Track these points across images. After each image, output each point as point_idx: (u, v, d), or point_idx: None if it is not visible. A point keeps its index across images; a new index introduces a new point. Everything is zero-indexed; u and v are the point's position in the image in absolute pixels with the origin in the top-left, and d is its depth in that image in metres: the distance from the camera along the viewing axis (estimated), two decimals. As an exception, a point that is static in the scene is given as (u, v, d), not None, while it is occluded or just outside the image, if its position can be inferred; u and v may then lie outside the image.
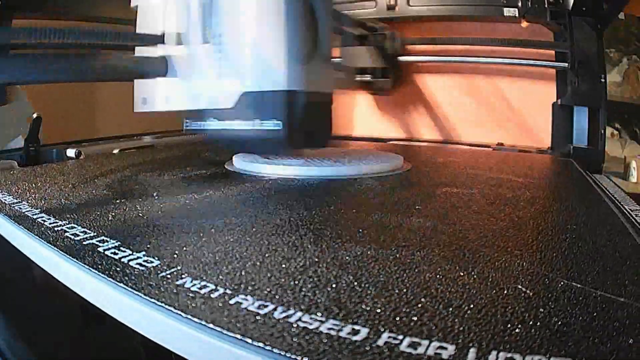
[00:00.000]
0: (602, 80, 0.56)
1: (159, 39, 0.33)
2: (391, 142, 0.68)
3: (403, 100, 0.70)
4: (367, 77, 0.64)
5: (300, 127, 0.31)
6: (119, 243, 0.19)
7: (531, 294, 0.14)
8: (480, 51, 0.63)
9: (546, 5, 0.59)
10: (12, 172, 0.37)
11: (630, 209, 0.27)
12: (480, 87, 0.66)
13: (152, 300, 0.14)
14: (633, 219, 0.24)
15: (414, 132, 0.70)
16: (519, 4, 0.59)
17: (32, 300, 0.26)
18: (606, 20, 0.59)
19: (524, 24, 0.60)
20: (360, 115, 0.75)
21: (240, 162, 0.37)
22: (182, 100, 0.34)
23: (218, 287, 0.14)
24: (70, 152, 0.50)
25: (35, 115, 0.51)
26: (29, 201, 0.26)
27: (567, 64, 0.57)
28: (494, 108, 0.66)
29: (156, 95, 0.35)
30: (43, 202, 0.26)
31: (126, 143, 0.57)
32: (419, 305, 0.13)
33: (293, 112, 0.30)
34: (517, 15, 0.59)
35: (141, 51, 0.35)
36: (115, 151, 0.53)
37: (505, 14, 0.60)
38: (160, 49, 0.34)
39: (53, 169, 0.38)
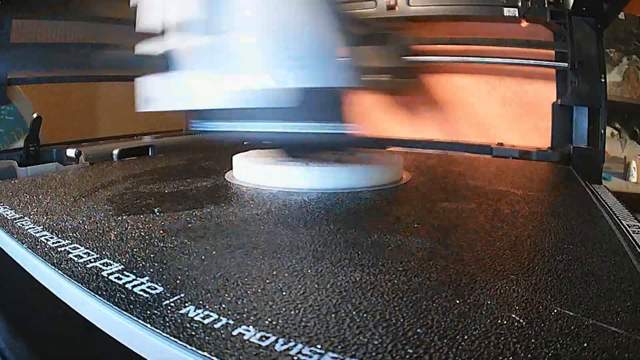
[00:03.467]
0: (602, 80, 0.57)
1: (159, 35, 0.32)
2: (392, 142, 0.69)
3: (404, 100, 0.71)
4: (385, 77, 0.64)
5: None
6: (122, 267, 0.19)
7: (524, 323, 0.15)
8: (480, 51, 0.63)
9: (546, 5, 0.59)
10: (12, 182, 0.37)
11: (627, 225, 0.27)
12: (480, 87, 0.67)
13: (157, 330, 0.14)
14: (630, 237, 0.24)
15: (415, 132, 0.71)
16: (519, 4, 0.59)
17: (32, 300, 0.26)
18: (606, 20, 0.59)
19: (524, 24, 0.60)
20: (360, 114, 0.75)
21: (240, 175, 0.38)
22: (192, 99, 0.32)
23: (221, 317, 0.15)
24: (70, 152, 0.50)
25: (35, 115, 0.52)
26: (31, 217, 0.27)
27: (567, 64, 0.58)
28: (494, 108, 0.66)
29: (159, 95, 0.34)
30: (45, 218, 0.26)
31: (126, 143, 0.58)
32: (415, 337, 0.14)
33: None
34: (517, 15, 0.60)
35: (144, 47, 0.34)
36: (115, 151, 0.53)
37: (505, 14, 0.60)
38: (164, 44, 0.32)
39: (54, 180, 0.38)
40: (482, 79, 0.67)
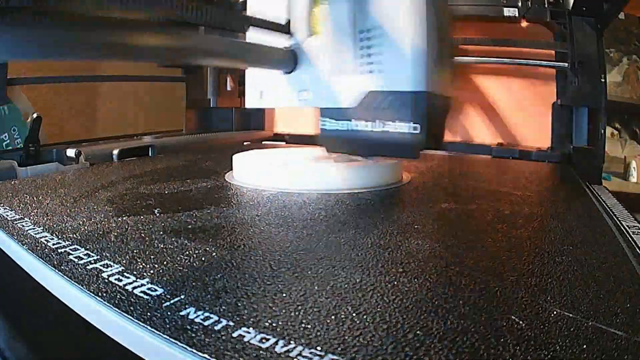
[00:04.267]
0: (602, 80, 0.57)
1: (284, 28, 0.30)
2: None
3: None
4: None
5: (435, 132, 0.29)
6: (122, 268, 0.19)
7: (523, 325, 0.15)
8: (480, 51, 0.63)
9: (546, 5, 0.59)
10: (13, 183, 0.37)
11: (627, 226, 0.27)
12: (480, 87, 0.67)
13: (158, 332, 0.14)
14: (630, 238, 0.24)
15: None
16: (519, 4, 0.59)
17: (32, 300, 0.26)
18: (606, 20, 0.59)
19: (524, 24, 0.60)
20: None
21: (240, 175, 0.38)
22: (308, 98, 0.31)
23: (221, 319, 0.15)
24: (70, 152, 0.50)
25: (35, 115, 0.51)
26: (31, 217, 0.27)
27: (567, 64, 0.58)
28: (495, 108, 0.66)
29: (275, 92, 0.32)
30: (45, 219, 0.26)
31: (126, 143, 0.58)
32: (415, 339, 0.14)
33: (431, 115, 0.28)
34: (517, 15, 0.60)
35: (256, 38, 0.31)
36: (115, 151, 0.53)
37: (505, 14, 0.60)
38: (284, 40, 0.30)
39: (54, 180, 0.38)
40: (482, 79, 0.67)
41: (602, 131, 0.57)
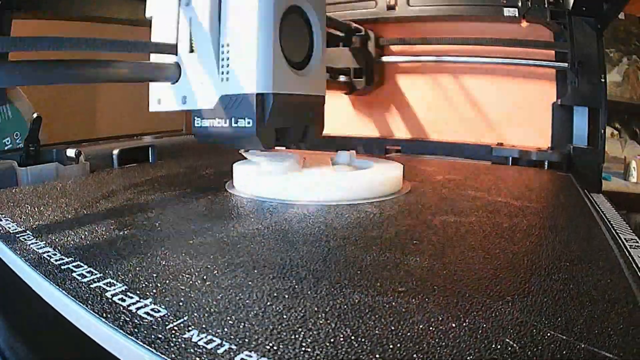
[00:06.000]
0: (602, 80, 0.57)
1: (172, 49, 0.38)
2: (392, 142, 0.69)
3: (407, 100, 0.71)
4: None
5: (270, 126, 0.35)
6: (125, 287, 0.19)
7: (517, 347, 0.15)
8: (480, 51, 0.63)
9: (546, 5, 0.59)
10: (14, 192, 0.38)
11: (625, 239, 0.27)
12: (480, 87, 0.67)
13: (163, 356, 0.15)
14: (627, 252, 0.25)
15: (417, 132, 0.71)
16: (519, 4, 0.59)
17: (32, 300, 0.26)
18: (606, 20, 0.59)
19: (524, 24, 0.60)
20: (363, 113, 0.76)
21: (240, 185, 0.38)
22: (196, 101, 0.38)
23: (224, 342, 0.15)
24: (70, 152, 0.50)
25: (35, 115, 0.51)
26: (33, 230, 0.27)
27: (567, 64, 0.58)
28: (495, 108, 0.66)
29: (169, 97, 0.39)
30: (47, 232, 0.27)
31: (126, 143, 0.58)
32: (412, 364, 0.14)
33: (264, 112, 0.35)
34: (517, 15, 0.60)
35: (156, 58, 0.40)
36: (115, 151, 0.54)
37: (505, 14, 0.60)
38: (170, 57, 0.38)
39: (55, 189, 0.39)
40: (482, 79, 0.67)
41: (602, 131, 0.57)
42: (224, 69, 0.36)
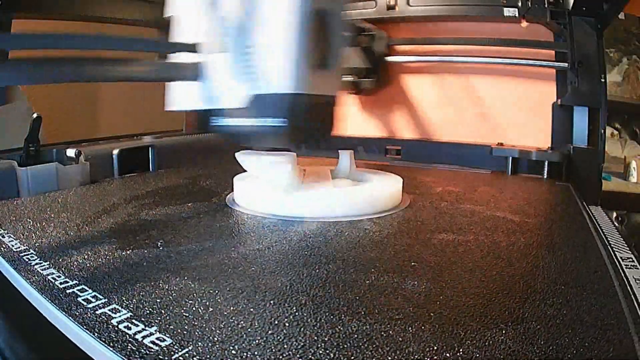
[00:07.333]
0: (602, 80, 0.57)
1: (192, 48, 0.38)
2: (392, 142, 0.70)
3: (408, 99, 0.72)
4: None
5: (301, 126, 0.35)
6: (130, 314, 0.20)
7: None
8: (480, 51, 0.63)
9: (546, 5, 0.59)
10: (15, 204, 0.38)
11: (621, 257, 0.28)
12: (480, 87, 0.67)
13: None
14: (622, 272, 0.25)
15: (418, 131, 0.71)
16: (519, 4, 0.59)
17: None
18: (606, 20, 0.58)
19: (524, 24, 0.61)
20: (365, 113, 0.76)
21: (240, 200, 0.39)
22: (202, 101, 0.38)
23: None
24: (70, 152, 0.50)
25: (35, 115, 0.51)
26: (36, 249, 0.28)
27: (567, 64, 0.58)
28: (495, 108, 0.66)
29: (190, 96, 0.39)
30: (50, 251, 0.27)
31: (126, 143, 0.58)
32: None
33: (295, 111, 0.35)
34: (517, 15, 0.60)
35: (177, 57, 0.40)
36: (115, 151, 0.54)
37: (505, 14, 0.61)
38: (192, 56, 0.38)
39: (56, 202, 0.39)
40: (482, 79, 0.67)
41: (602, 131, 0.57)
42: (254, 68, 0.36)
